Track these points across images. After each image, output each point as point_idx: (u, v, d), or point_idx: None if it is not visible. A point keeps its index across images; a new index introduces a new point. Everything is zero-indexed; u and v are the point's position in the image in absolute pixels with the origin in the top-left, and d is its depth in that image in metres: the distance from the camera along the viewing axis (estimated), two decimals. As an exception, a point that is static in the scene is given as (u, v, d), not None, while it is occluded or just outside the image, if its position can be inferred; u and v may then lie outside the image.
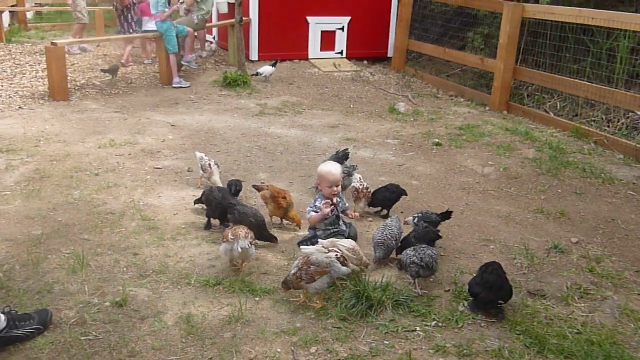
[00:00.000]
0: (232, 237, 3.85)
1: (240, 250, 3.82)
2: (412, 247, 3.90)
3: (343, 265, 3.70)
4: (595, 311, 3.73)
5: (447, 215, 4.62)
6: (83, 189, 5.34)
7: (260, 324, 3.43)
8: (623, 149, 6.87)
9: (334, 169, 4.38)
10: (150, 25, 10.32)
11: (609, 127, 7.63)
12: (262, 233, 4.35)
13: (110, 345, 3.19)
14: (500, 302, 3.62)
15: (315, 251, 3.74)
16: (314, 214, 4.35)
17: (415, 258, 3.76)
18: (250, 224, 4.23)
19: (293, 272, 3.59)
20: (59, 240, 4.38)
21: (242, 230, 3.92)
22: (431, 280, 3.94)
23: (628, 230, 4.98)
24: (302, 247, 3.98)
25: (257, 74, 9.96)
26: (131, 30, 11.04)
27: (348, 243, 3.94)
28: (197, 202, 4.95)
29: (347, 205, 4.61)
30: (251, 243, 3.90)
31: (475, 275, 3.76)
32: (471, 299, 3.68)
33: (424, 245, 3.90)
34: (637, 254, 4.55)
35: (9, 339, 3.14)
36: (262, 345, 3.24)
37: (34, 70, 10.06)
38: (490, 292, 3.56)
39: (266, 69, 9.95)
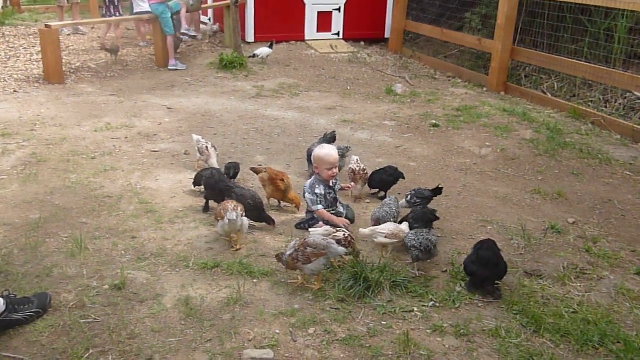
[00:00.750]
0: (223, 212, 3.98)
1: (227, 221, 3.92)
2: (414, 231, 3.92)
3: (349, 246, 3.76)
4: (591, 291, 3.76)
5: (438, 190, 4.70)
6: (80, 172, 5.33)
7: (258, 306, 3.45)
8: (620, 129, 6.87)
9: (332, 151, 4.40)
10: (142, 6, 10.21)
11: (606, 107, 7.61)
12: (260, 214, 4.37)
13: (109, 327, 3.21)
14: (496, 281, 3.65)
15: (323, 232, 3.85)
16: (320, 207, 4.34)
17: (414, 242, 3.78)
18: (249, 206, 4.25)
19: (289, 252, 3.60)
20: (57, 224, 4.38)
21: (230, 204, 4.04)
22: (429, 261, 3.95)
23: (624, 210, 5.00)
24: (310, 230, 4.02)
25: (254, 56, 9.90)
26: (117, 14, 10.93)
27: (387, 229, 3.98)
28: (195, 184, 4.96)
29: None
30: (240, 215, 3.99)
31: (470, 253, 3.78)
32: (468, 278, 3.70)
33: (425, 230, 3.92)
34: (633, 234, 4.58)
35: (9, 323, 3.15)
36: (260, 327, 3.26)
37: (29, 53, 9.98)
38: (487, 269, 3.59)
39: (263, 51, 9.88)
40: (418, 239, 3.79)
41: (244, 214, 4.07)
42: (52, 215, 4.50)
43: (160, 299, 3.48)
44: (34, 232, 4.22)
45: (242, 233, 4.11)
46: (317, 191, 4.36)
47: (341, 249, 3.61)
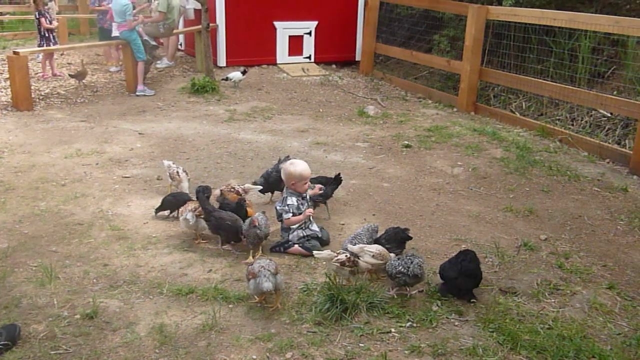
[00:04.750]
0: (183, 210, 4.55)
1: (181, 219, 4.51)
2: (397, 257, 3.90)
3: (354, 266, 3.81)
4: (565, 306, 3.80)
5: (336, 180, 4.99)
6: (49, 199, 5.24)
7: (234, 331, 3.40)
8: (587, 146, 7.03)
9: (305, 165, 4.56)
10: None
11: (572, 125, 7.79)
12: (237, 235, 4.39)
13: (81, 358, 3.13)
14: (473, 298, 3.73)
15: (327, 255, 3.87)
16: (290, 215, 4.43)
17: (401, 267, 3.72)
18: (228, 227, 4.35)
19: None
20: (26, 252, 4.28)
21: (191, 205, 4.55)
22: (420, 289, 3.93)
23: (594, 225, 5.09)
24: (314, 252, 4.03)
25: (227, 79, 9.91)
26: (49, 43, 10.56)
27: (375, 248, 3.98)
28: (158, 210, 4.97)
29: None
30: (196, 216, 4.44)
31: (449, 259, 3.86)
32: (442, 282, 3.82)
33: (410, 254, 3.90)
34: (603, 249, 4.66)
35: (-25, 356, 3.06)
36: (237, 353, 3.21)
37: (-4, 80, 9.84)
38: (469, 280, 3.68)
39: (235, 74, 9.89)
40: (406, 264, 3.71)
41: (201, 215, 4.46)
42: (21, 244, 4.40)
43: (133, 327, 3.42)
44: (2, 261, 4.12)
45: (200, 230, 4.53)
46: (288, 202, 4.47)
47: (266, 285, 3.47)
